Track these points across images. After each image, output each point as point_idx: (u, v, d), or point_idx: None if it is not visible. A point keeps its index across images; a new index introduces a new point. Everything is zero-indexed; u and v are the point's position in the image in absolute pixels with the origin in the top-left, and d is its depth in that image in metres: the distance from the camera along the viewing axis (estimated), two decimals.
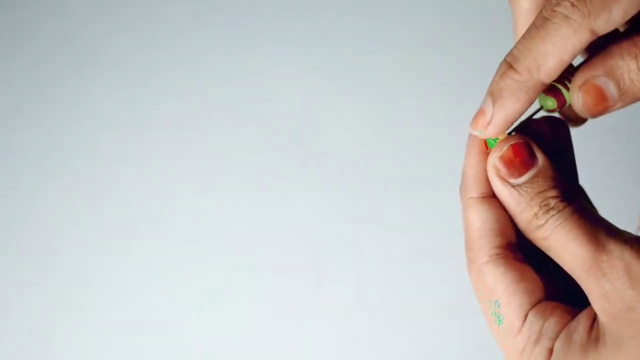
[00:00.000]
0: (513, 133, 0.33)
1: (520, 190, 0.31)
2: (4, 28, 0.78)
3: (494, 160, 0.32)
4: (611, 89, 0.30)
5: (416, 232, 0.67)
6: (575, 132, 0.36)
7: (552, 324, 0.31)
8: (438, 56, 0.74)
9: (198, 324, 0.66)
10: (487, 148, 0.33)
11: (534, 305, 0.32)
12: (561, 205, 0.31)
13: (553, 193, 0.31)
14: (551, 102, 0.32)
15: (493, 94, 0.31)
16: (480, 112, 0.32)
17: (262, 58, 0.76)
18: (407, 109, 0.73)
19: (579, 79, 0.31)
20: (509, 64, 0.31)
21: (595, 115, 0.31)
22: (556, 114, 0.34)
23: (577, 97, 0.31)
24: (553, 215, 0.31)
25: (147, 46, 0.76)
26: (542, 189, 0.31)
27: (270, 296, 0.67)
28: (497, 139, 0.32)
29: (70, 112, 0.74)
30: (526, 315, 0.32)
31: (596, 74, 0.30)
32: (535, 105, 0.33)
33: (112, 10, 0.78)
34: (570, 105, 0.32)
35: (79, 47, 0.77)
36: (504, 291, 0.32)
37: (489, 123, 0.31)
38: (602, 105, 0.31)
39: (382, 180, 0.70)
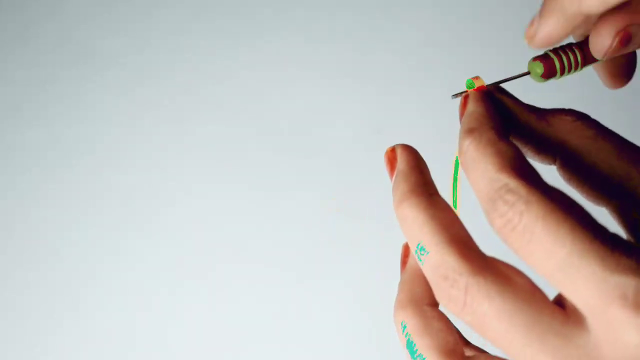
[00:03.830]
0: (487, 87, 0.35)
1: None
2: (4, 29, 0.78)
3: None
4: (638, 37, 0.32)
5: None
6: None
7: None
8: (438, 56, 0.74)
9: (197, 323, 0.66)
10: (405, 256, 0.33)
11: None
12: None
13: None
14: (539, 69, 0.34)
15: (541, 12, 0.33)
16: (530, 23, 0.34)
17: (261, 58, 0.76)
18: (407, 109, 0.73)
19: (613, 25, 0.32)
20: None
21: (611, 55, 0.32)
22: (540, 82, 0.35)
23: (608, 40, 0.32)
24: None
25: (145, 46, 0.76)
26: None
27: (269, 295, 0.67)
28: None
29: (70, 111, 0.74)
30: None
31: (633, 22, 0.32)
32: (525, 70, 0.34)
33: (112, 11, 0.78)
34: (558, 76, 0.34)
35: (78, 47, 0.77)
36: None
37: (534, 35, 0.33)
38: (625, 49, 0.32)
39: (382, 180, 0.70)
